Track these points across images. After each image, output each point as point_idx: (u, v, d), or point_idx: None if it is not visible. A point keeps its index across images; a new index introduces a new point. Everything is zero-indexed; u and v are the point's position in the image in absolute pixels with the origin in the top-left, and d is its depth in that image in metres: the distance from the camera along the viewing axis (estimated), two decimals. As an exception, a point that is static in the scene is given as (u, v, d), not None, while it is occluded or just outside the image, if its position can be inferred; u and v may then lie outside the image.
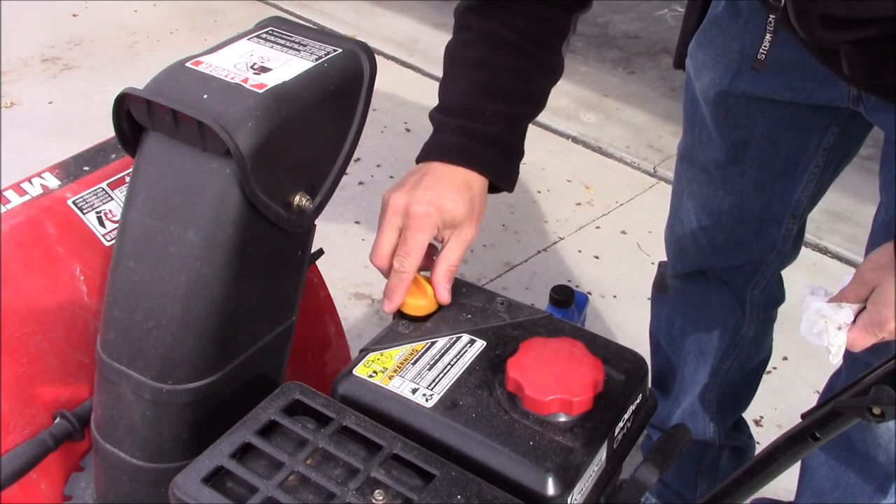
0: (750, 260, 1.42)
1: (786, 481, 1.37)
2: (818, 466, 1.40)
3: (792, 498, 1.53)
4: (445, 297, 0.98)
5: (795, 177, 1.30)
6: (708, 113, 1.30)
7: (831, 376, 1.38)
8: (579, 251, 2.56)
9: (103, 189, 1.14)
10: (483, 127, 1.01)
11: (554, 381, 0.85)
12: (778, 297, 1.52)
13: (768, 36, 1.05)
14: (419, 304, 0.98)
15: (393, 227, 0.98)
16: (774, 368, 2.10)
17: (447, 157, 1.00)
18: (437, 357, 0.93)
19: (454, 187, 0.98)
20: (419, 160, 1.03)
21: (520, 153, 1.06)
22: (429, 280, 1.00)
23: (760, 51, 1.06)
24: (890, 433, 1.25)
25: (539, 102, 1.09)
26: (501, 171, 1.03)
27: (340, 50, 0.95)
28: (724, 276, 1.46)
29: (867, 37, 0.96)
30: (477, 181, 1.01)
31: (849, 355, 1.28)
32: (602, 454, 0.87)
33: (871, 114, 1.13)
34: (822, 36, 1.00)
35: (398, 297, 0.97)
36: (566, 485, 0.82)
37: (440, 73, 1.09)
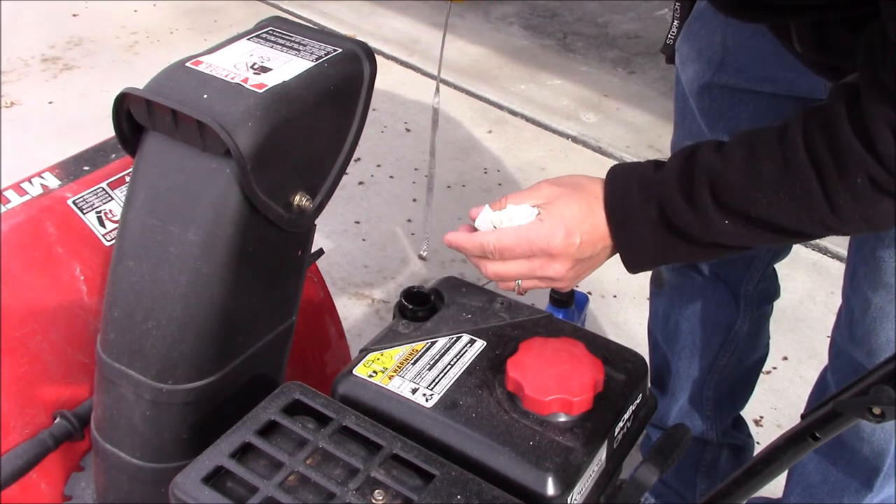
0: (741, 254, 1.42)
1: (781, 480, 1.37)
2: (808, 461, 1.40)
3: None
4: None
5: None
6: (695, 105, 1.31)
7: (819, 375, 1.38)
8: (579, 251, 2.56)
9: (103, 189, 1.14)
10: None
11: (554, 381, 0.85)
12: (772, 292, 1.53)
13: (675, 23, 1.04)
14: None
15: None
16: (774, 368, 2.10)
17: None
18: (437, 357, 0.93)
19: None
20: None
21: None
22: None
23: (669, 36, 1.06)
24: (871, 425, 1.25)
25: None
26: None
27: (340, 50, 0.95)
28: (717, 271, 1.47)
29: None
30: None
31: (836, 356, 1.28)
32: (602, 454, 0.87)
33: None
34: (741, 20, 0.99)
35: None
36: (566, 485, 0.82)
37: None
